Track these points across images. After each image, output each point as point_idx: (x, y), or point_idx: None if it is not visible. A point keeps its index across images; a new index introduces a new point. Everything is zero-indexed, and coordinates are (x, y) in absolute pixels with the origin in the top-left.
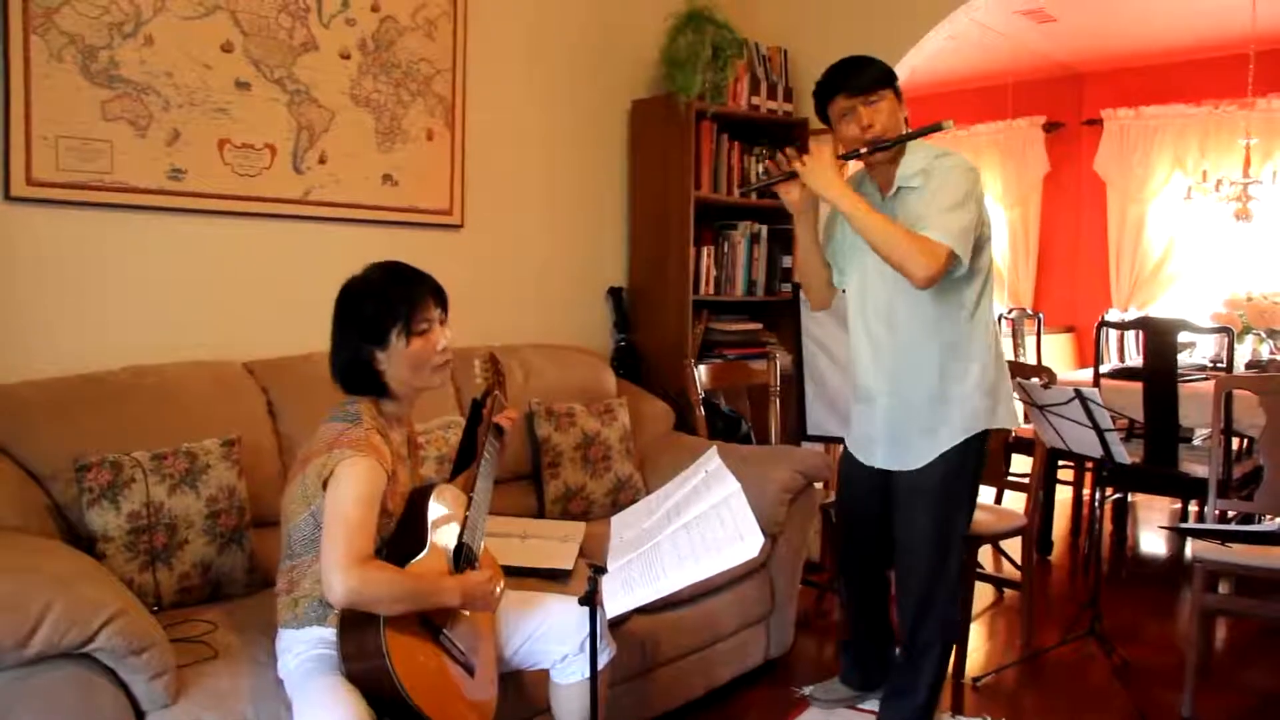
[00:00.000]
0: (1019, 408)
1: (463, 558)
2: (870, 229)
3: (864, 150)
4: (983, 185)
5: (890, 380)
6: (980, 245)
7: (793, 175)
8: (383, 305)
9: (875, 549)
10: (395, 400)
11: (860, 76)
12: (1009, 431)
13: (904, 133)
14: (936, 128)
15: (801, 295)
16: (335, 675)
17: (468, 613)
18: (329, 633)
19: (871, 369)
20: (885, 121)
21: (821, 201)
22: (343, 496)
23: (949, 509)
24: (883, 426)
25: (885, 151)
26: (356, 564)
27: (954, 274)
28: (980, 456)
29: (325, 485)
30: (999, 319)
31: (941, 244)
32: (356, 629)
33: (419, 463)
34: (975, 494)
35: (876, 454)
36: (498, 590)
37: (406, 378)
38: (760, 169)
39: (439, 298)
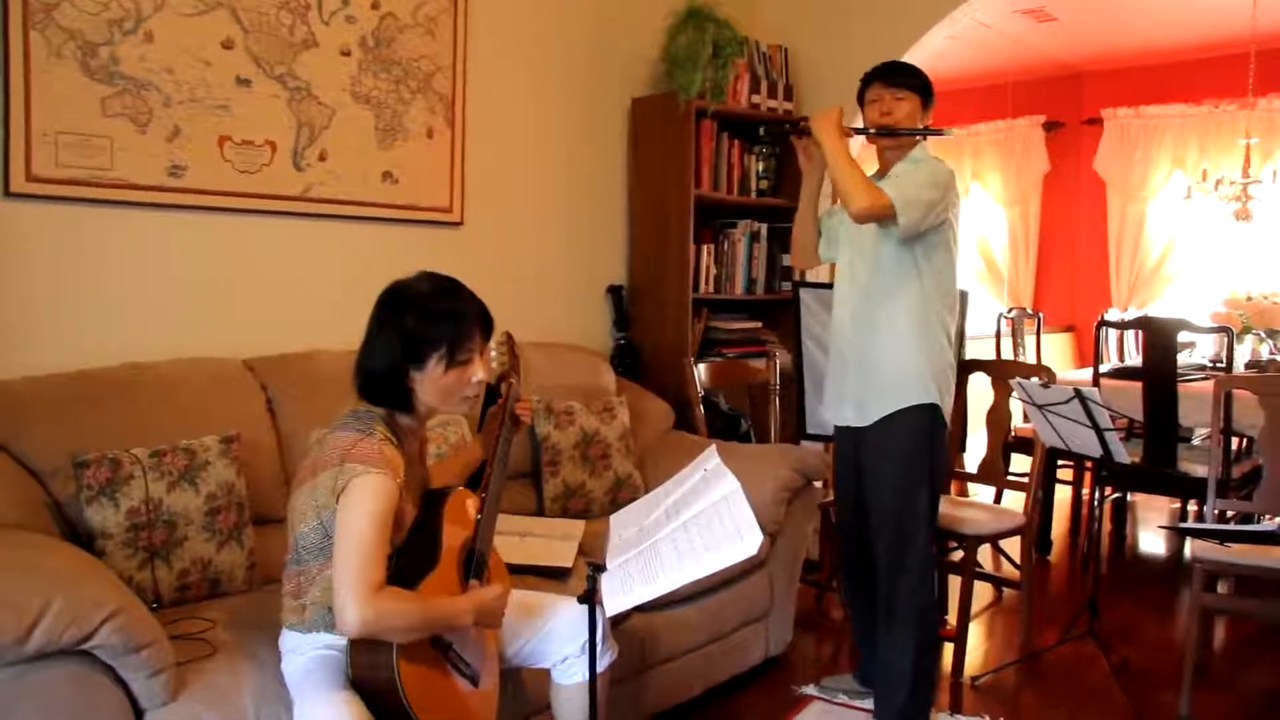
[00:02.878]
0: (1017, 407)
1: (473, 566)
2: (837, 164)
3: (872, 130)
4: (956, 193)
5: (859, 348)
6: (936, 243)
7: (806, 131)
8: (428, 325)
9: (862, 535)
10: (414, 416)
11: (897, 74)
12: (946, 426)
13: (910, 128)
14: (936, 132)
15: (796, 283)
16: (340, 680)
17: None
18: (336, 639)
19: (845, 336)
20: (901, 116)
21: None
22: (356, 517)
23: (905, 477)
24: (850, 386)
25: (887, 139)
26: (371, 594)
27: (890, 229)
28: (934, 437)
29: (338, 498)
30: (998, 317)
31: (886, 195)
32: (368, 643)
33: (425, 462)
34: (934, 477)
35: (846, 412)
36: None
37: (434, 403)
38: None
39: (485, 326)
